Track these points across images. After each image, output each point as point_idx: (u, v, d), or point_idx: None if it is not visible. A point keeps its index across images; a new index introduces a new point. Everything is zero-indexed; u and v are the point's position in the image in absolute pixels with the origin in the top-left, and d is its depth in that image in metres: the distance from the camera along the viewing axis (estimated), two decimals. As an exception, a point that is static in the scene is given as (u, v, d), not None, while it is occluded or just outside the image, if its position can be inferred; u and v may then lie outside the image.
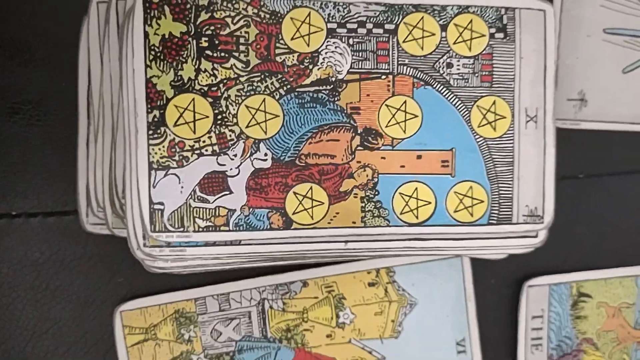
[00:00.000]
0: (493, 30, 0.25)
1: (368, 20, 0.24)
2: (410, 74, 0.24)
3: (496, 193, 0.25)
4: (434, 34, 0.24)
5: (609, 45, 0.29)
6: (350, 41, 0.24)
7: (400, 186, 0.25)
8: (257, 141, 0.24)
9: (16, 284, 0.27)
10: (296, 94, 0.24)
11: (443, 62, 0.25)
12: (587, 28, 0.29)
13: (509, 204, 0.25)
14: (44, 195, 0.27)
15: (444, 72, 0.25)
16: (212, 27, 0.23)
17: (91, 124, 0.25)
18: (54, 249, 0.27)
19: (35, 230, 0.27)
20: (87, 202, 0.26)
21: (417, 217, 0.25)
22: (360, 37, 0.24)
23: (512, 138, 0.25)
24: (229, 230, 0.23)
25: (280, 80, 0.23)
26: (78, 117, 0.26)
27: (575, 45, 0.29)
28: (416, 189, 0.25)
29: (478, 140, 0.25)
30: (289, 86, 0.24)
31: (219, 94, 0.23)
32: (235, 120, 0.23)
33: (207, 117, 0.23)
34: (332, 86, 0.24)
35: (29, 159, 0.26)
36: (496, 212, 0.25)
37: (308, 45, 0.24)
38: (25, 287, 0.27)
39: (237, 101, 0.23)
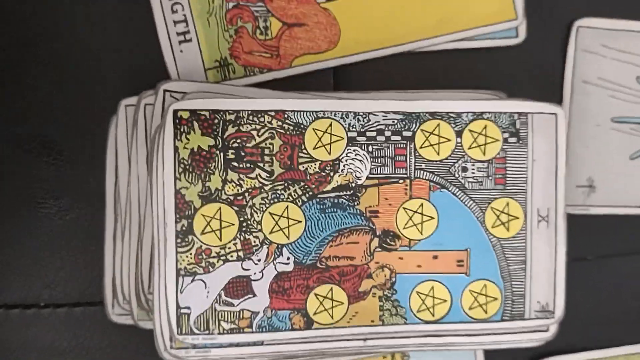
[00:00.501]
0: (506, 135, 0.26)
1: (387, 128, 0.25)
2: (426, 178, 0.25)
3: (509, 290, 0.26)
4: (449, 140, 0.25)
5: (617, 133, 0.30)
6: (370, 148, 0.25)
7: (417, 285, 0.25)
8: (280, 246, 0.24)
9: (43, 372, 0.28)
10: (318, 200, 0.25)
11: (458, 167, 0.25)
12: (595, 118, 0.30)
13: (522, 300, 0.26)
14: (71, 286, 0.27)
15: (459, 176, 0.25)
16: (238, 140, 0.24)
17: (118, 220, 0.26)
18: (80, 338, 0.27)
19: (62, 320, 0.27)
20: (113, 294, 0.27)
21: (433, 315, 0.26)
22: (379, 144, 0.25)
23: (524, 238, 0.26)
24: (252, 332, 0.24)
25: (302, 188, 0.24)
26: (105, 213, 0.27)
27: (584, 134, 0.30)
28: (432, 287, 0.26)
29: (492, 240, 0.26)
30: (310, 193, 0.25)
31: (244, 203, 0.24)
32: (259, 226, 0.24)
33: (233, 224, 0.24)
34: (352, 191, 0.25)
35: (56, 251, 0.27)
36: (509, 308, 0.26)
37: (329, 153, 0.25)
38: (52, 376, 0.28)
39: (261, 209, 0.24)
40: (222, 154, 0.24)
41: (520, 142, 0.26)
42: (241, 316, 0.24)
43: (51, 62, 0.27)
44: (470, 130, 0.25)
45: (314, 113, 0.24)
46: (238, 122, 0.24)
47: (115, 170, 0.26)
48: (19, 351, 0.27)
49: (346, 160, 0.25)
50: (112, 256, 0.27)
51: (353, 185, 0.25)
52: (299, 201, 0.24)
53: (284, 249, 0.24)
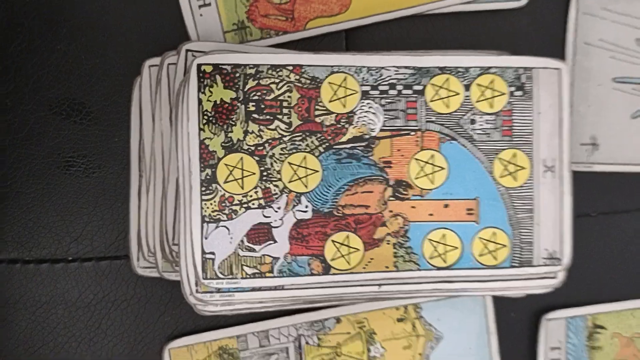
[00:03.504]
0: (512, 88, 0.27)
1: (398, 83, 0.26)
2: (437, 130, 0.27)
3: (517, 238, 0.27)
4: (458, 94, 0.27)
5: (619, 93, 0.31)
6: (383, 102, 0.26)
7: (429, 233, 0.27)
8: (298, 194, 0.26)
9: (72, 323, 0.29)
10: (334, 150, 0.26)
11: (467, 119, 0.27)
12: (597, 78, 0.31)
13: (530, 248, 0.27)
14: (97, 241, 0.29)
15: (467, 128, 0.27)
16: (258, 93, 0.25)
17: (142, 176, 0.28)
18: (107, 291, 0.29)
19: (89, 274, 0.29)
20: (138, 248, 0.28)
21: (445, 261, 0.27)
22: (391, 98, 0.26)
23: (531, 187, 0.27)
24: (274, 277, 0.25)
25: (319, 139, 0.26)
26: (130, 170, 0.28)
27: (587, 94, 0.31)
28: (444, 235, 0.27)
29: (500, 189, 0.27)
30: (327, 144, 0.26)
31: (265, 153, 0.25)
32: (279, 176, 0.25)
33: (254, 174, 0.25)
34: (366, 143, 0.26)
35: (83, 207, 0.29)
36: (518, 255, 0.27)
37: (344, 106, 0.26)
38: (80, 327, 0.29)
39: (280, 159, 0.25)
40: (243, 106, 0.25)
41: (526, 95, 0.27)
42: (263, 261, 0.25)
43: (79, 28, 0.28)
44: (478, 84, 0.27)
45: (329, 68, 0.26)
46: (258, 76, 0.25)
47: (139, 128, 0.28)
48: (48, 304, 0.29)
49: (360, 113, 0.26)
50: (137, 211, 0.28)
51: (367, 136, 0.26)
52: (316, 152, 0.26)
53: (303, 198, 0.26)
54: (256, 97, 0.25)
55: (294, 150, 0.26)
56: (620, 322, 0.32)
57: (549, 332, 0.31)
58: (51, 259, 0.28)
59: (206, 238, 0.25)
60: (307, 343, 0.29)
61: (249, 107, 0.25)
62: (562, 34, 0.30)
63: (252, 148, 0.25)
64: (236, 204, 0.25)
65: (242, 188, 0.25)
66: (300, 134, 0.26)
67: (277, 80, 0.25)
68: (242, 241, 0.25)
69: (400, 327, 0.30)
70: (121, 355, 0.29)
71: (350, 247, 0.26)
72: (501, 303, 0.30)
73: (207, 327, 0.29)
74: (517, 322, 0.31)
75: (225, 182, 0.25)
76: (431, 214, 0.27)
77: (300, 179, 0.26)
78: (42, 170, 0.28)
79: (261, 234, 0.25)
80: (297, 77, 0.25)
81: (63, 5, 0.28)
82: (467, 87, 0.27)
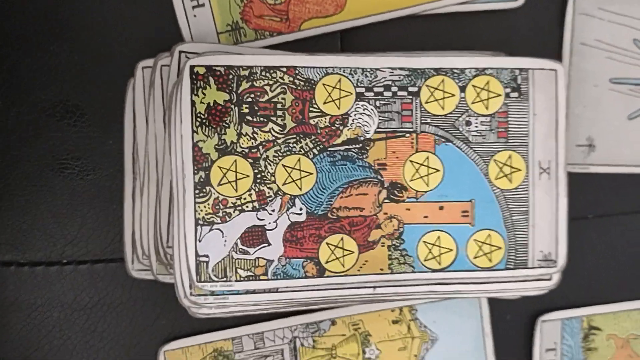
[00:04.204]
0: (508, 90, 0.27)
1: (393, 84, 0.26)
2: (432, 132, 0.26)
3: (513, 240, 0.27)
4: (453, 95, 0.26)
5: (615, 93, 0.31)
6: (377, 103, 0.26)
7: (424, 235, 0.27)
8: (293, 197, 0.26)
9: (67, 326, 0.29)
10: (328, 153, 0.26)
11: (462, 121, 0.27)
12: (594, 79, 0.31)
13: (525, 250, 0.27)
14: (92, 244, 0.29)
15: (463, 130, 0.27)
16: (252, 95, 0.25)
17: (137, 178, 0.27)
18: (102, 294, 0.29)
19: (84, 277, 0.29)
20: (133, 250, 0.28)
21: (439, 264, 0.27)
22: (386, 100, 0.26)
23: (526, 189, 0.27)
24: (268, 279, 0.25)
25: (313, 141, 0.26)
26: (124, 173, 0.28)
27: (583, 95, 0.31)
28: (439, 237, 0.27)
29: (495, 191, 0.27)
30: (321, 146, 0.26)
31: (259, 155, 0.25)
32: (273, 178, 0.25)
33: (248, 176, 0.25)
34: (360, 145, 0.26)
35: (78, 210, 0.28)
36: (513, 257, 0.27)
37: (339, 108, 0.26)
38: (76, 330, 0.29)
39: (274, 161, 0.25)
40: (236, 108, 0.25)
41: (522, 97, 0.27)
42: (257, 264, 0.25)
43: (72, 30, 0.28)
44: (474, 86, 0.27)
45: (324, 69, 0.25)
46: (251, 77, 0.25)
47: (133, 130, 0.28)
48: (43, 307, 0.29)
49: (355, 115, 0.26)
50: (132, 213, 0.28)
51: (362, 138, 0.26)
52: (310, 154, 0.26)
53: (297, 200, 0.26)
54: (250, 99, 0.25)
55: (288, 153, 0.25)
56: (616, 323, 0.32)
57: (545, 334, 0.31)
58: (46, 262, 0.28)
59: (200, 241, 0.25)
60: (302, 345, 0.29)
61: (242, 109, 0.25)
62: (559, 35, 0.30)
63: (246, 150, 0.25)
64: (230, 207, 0.25)
65: (236, 191, 0.25)
66: (295, 136, 0.25)
67: (271, 82, 0.25)
68: (236, 244, 0.25)
69: (396, 328, 0.30)
70: (117, 358, 0.29)
71: (345, 249, 0.26)
72: (497, 305, 0.30)
73: (202, 330, 0.29)
74: (513, 324, 0.31)
75: (219, 184, 0.25)
76: (426, 216, 0.27)
77: (294, 181, 0.25)
78: (36, 173, 0.28)
79: (255, 236, 0.25)
80: (291, 78, 0.25)
81: (56, 7, 0.28)
82: (463, 89, 0.27)
